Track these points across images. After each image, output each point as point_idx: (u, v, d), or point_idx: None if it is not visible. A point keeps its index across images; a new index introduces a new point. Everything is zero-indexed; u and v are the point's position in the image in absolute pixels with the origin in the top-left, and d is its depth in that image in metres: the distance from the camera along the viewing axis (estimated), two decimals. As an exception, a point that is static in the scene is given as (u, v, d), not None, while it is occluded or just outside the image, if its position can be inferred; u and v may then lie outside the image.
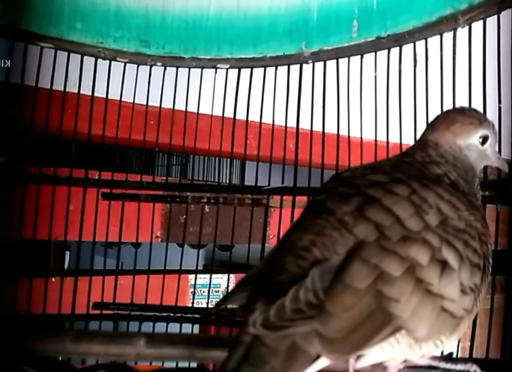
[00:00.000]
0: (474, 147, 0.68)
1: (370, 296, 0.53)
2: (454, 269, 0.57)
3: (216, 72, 1.43)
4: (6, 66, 1.30)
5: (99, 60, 1.37)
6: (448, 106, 1.15)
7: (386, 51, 1.29)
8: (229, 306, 0.61)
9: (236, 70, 1.42)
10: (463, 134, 0.67)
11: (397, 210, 0.57)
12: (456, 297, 0.57)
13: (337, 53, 1.35)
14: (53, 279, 1.43)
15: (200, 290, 1.97)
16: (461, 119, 0.68)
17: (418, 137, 1.19)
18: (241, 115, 1.43)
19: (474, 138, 0.68)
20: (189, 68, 1.43)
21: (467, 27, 1.17)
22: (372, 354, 0.57)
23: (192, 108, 1.44)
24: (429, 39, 1.22)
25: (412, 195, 0.58)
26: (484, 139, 0.68)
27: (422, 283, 0.55)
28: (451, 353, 0.70)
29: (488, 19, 1.13)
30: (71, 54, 1.35)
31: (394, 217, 0.57)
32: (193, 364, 1.00)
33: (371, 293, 0.53)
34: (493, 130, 0.69)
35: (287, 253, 0.59)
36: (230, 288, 1.84)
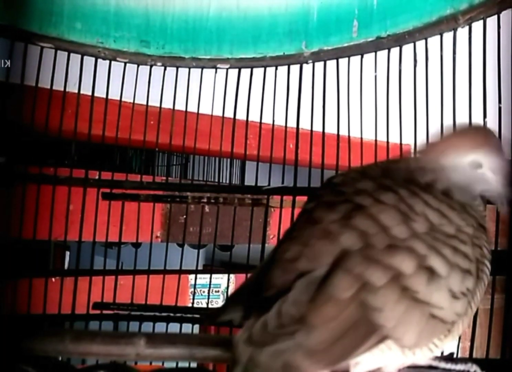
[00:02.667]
0: (462, 170, 0.63)
1: (353, 307, 0.53)
2: (441, 276, 0.56)
3: (216, 72, 1.43)
4: (6, 66, 1.30)
5: (99, 60, 1.37)
6: (448, 106, 1.16)
7: (386, 51, 1.29)
8: (222, 319, 0.61)
9: (236, 70, 1.42)
10: (451, 154, 0.63)
11: (384, 218, 0.57)
12: (445, 304, 0.56)
13: (337, 53, 1.35)
14: (53, 279, 1.43)
15: (200, 290, 1.98)
16: (456, 140, 0.64)
17: (417, 137, 1.20)
18: (241, 115, 1.43)
19: (463, 161, 0.63)
20: (189, 68, 1.43)
21: (467, 27, 1.17)
22: (367, 362, 0.56)
23: (192, 108, 1.44)
24: (429, 39, 1.22)
25: (399, 203, 0.58)
26: (477, 166, 0.63)
27: (408, 291, 0.54)
28: (451, 353, 0.69)
29: (488, 19, 1.13)
30: (71, 54, 1.35)
31: (380, 226, 0.56)
32: (193, 364, 1.00)
33: (354, 303, 0.53)
34: (497, 157, 0.63)
35: (275, 266, 0.58)
36: (230, 288, 1.84)
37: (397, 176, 0.63)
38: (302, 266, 0.56)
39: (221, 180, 1.60)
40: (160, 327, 1.42)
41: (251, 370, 0.52)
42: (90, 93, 1.37)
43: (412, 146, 1.15)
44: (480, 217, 0.63)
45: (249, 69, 1.42)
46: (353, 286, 0.53)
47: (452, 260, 0.57)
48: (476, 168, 0.63)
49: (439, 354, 0.64)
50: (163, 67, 1.42)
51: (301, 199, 1.34)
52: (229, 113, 1.44)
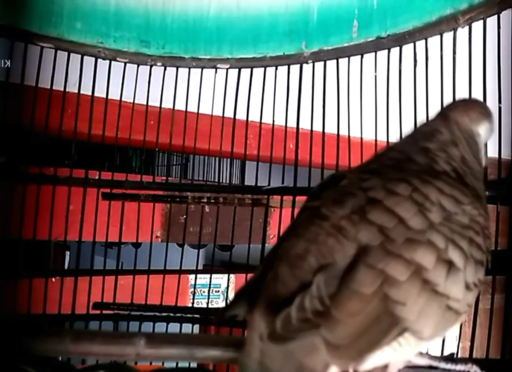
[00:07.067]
0: (480, 136, 0.71)
1: (377, 301, 0.53)
2: (460, 269, 0.56)
3: (216, 72, 1.43)
4: (6, 66, 1.30)
5: (99, 60, 1.37)
6: (448, 106, 1.16)
7: (386, 51, 1.29)
8: (231, 314, 0.61)
9: (236, 70, 1.42)
10: (477, 120, 0.71)
11: (400, 210, 0.57)
12: (461, 296, 0.57)
13: (337, 53, 1.35)
14: (53, 279, 1.42)
15: (200, 290, 1.97)
16: (477, 107, 0.72)
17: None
18: (241, 115, 1.43)
19: (483, 127, 0.71)
20: (189, 68, 1.43)
21: (467, 27, 1.17)
22: (376, 357, 0.56)
23: (192, 108, 1.44)
24: (429, 39, 1.22)
25: (413, 193, 0.58)
26: (487, 130, 0.72)
27: (429, 284, 0.55)
28: (451, 354, 0.69)
29: (488, 19, 1.13)
30: (71, 54, 1.35)
31: (397, 218, 0.56)
32: (193, 364, 1.00)
33: (378, 297, 0.53)
34: (493, 124, 0.74)
35: (281, 262, 0.58)
36: (230, 288, 1.84)
37: (409, 165, 0.64)
38: (313, 263, 0.56)
39: (221, 180, 1.60)
40: (160, 327, 1.42)
41: (268, 366, 0.52)
42: (90, 93, 1.37)
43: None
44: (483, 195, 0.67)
45: (249, 69, 1.42)
46: (376, 281, 0.54)
47: (468, 251, 0.58)
48: (487, 132, 0.72)
49: (439, 353, 0.64)
50: (163, 67, 1.42)
51: (301, 199, 1.34)
52: (229, 113, 1.44)
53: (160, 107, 1.42)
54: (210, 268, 1.73)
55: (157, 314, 1.46)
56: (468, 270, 0.57)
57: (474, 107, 0.72)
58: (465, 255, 0.57)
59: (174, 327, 1.43)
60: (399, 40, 1.27)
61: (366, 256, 0.55)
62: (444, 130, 0.68)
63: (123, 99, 1.40)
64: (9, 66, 1.30)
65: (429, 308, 0.55)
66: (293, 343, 0.52)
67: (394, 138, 1.28)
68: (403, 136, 0.74)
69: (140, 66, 1.40)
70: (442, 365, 0.64)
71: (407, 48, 1.26)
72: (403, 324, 0.54)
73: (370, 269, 0.54)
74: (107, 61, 1.38)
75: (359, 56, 1.32)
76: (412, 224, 0.56)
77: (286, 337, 0.52)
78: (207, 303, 1.71)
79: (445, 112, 0.71)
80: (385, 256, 0.54)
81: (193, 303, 1.66)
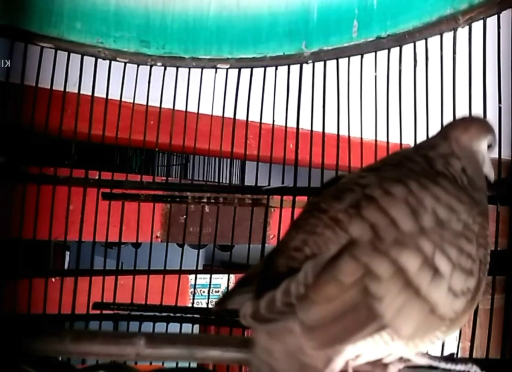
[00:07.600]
0: (482, 152, 0.71)
1: (355, 291, 0.54)
2: (444, 276, 0.57)
3: (216, 72, 1.43)
4: (6, 66, 1.30)
5: (99, 60, 1.37)
6: (448, 106, 1.16)
7: (386, 51, 1.29)
8: (229, 307, 0.61)
9: (236, 70, 1.42)
10: (476, 138, 0.71)
11: (393, 212, 0.58)
12: (444, 302, 0.57)
13: (337, 53, 1.35)
14: (53, 279, 1.42)
15: (200, 290, 1.97)
16: (476, 125, 0.72)
17: (417, 137, 1.20)
18: (241, 115, 1.43)
19: (483, 144, 0.71)
20: (189, 68, 1.43)
21: (467, 27, 1.17)
22: (368, 352, 0.57)
23: (192, 108, 1.44)
24: (429, 39, 1.22)
25: (409, 196, 0.59)
26: (489, 146, 0.72)
27: (411, 285, 0.55)
28: (451, 354, 0.70)
29: (488, 19, 1.13)
30: (71, 54, 1.35)
31: (389, 219, 0.57)
32: (193, 364, 1.00)
33: (356, 288, 0.54)
34: (495, 140, 0.74)
35: (280, 255, 0.59)
36: (230, 288, 1.83)
37: (411, 167, 0.65)
38: (310, 252, 0.57)
39: (221, 181, 1.60)
40: (160, 327, 1.42)
41: (272, 365, 0.54)
42: (90, 93, 1.37)
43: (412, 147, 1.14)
44: (485, 206, 0.66)
45: (249, 69, 1.41)
46: (357, 272, 0.54)
47: (456, 261, 0.58)
48: (489, 148, 0.72)
49: (438, 353, 0.64)
50: (163, 67, 1.42)
51: (301, 199, 1.34)
52: (229, 113, 1.44)
53: (160, 107, 1.42)
54: (210, 268, 1.73)
55: (157, 314, 1.46)
56: (454, 278, 0.58)
57: (473, 124, 0.72)
58: (452, 263, 0.58)
59: (174, 327, 1.43)
60: (399, 40, 1.27)
61: (353, 247, 0.56)
62: (444, 145, 0.69)
63: (123, 99, 1.40)
64: (9, 66, 1.30)
65: (408, 308, 0.55)
66: (275, 324, 0.53)
67: (394, 138, 1.28)
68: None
69: (140, 66, 1.40)
70: (442, 365, 0.64)
71: (407, 48, 1.26)
72: (381, 320, 0.54)
73: (354, 259, 0.55)
74: (107, 61, 1.38)
75: (359, 56, 1.32)
76: (403, 227, 0.57)
77: (268, 318, 0.53)
78: (207, 303, 1.71)
79: (445, 131, 0.72)
80: (372, 251, 0.55)
81: (193, 303, 1.66)
